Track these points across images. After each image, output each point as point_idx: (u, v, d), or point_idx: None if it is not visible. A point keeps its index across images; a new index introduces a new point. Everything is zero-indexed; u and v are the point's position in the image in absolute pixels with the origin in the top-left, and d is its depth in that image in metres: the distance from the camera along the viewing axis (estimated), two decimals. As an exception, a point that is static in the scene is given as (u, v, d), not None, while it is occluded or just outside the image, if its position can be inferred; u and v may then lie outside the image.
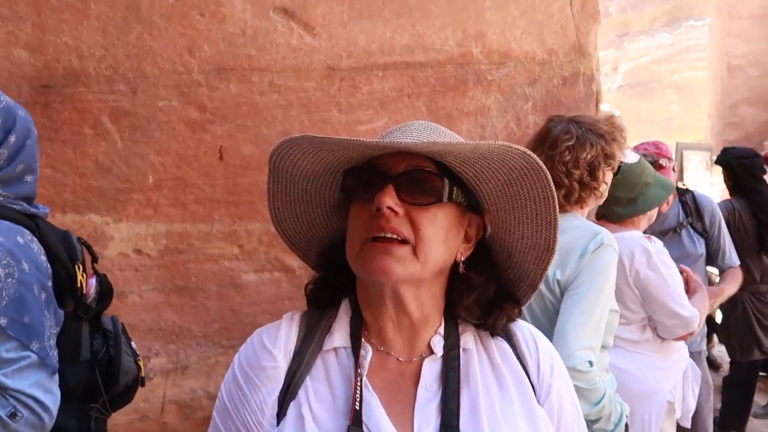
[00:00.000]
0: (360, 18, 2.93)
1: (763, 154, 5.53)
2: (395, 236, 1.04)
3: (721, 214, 3.68)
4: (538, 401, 1.14)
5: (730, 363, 4.97)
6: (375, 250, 1.05)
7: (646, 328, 2.86)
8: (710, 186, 9.83)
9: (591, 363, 2.00)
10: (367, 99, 2.98)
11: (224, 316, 2.98)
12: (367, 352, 1.12)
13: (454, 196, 1.10)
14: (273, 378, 1.10)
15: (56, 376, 1.65)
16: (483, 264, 1.17)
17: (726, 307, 4.30)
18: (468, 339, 1.16)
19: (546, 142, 2.24)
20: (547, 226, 1.14)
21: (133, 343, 2.04)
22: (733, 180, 4.53)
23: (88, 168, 2.75)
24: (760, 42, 31.06)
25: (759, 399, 5.44)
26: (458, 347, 1.14)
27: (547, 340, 1.24)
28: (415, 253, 1.06)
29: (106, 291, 1.94)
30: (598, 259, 2.09)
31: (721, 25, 29.17)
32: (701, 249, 3.57)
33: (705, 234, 3.57)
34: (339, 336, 1.14)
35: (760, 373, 5.15)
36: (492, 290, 1.17)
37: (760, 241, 4.33)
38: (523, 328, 1.23)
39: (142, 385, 2.04)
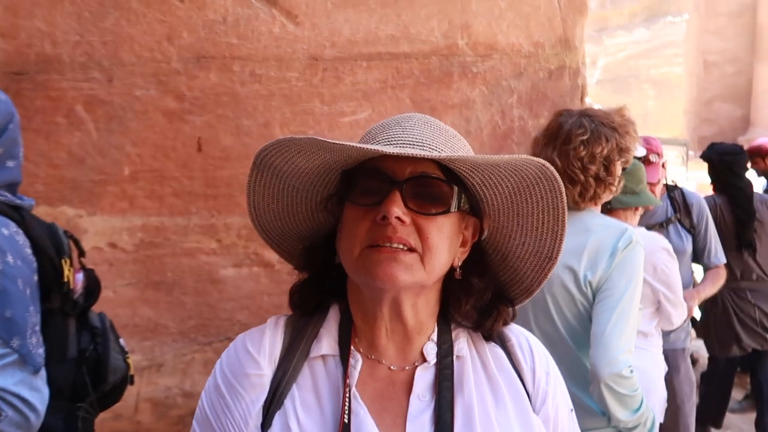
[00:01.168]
0: (344, 7, 2.86)
1: (747, 147, 5.56)
2: (402, 246, 0.99)
3: (709, 212, 3.68)
4: (533, 409, 1.10)
5: (709, 359, 5.00)
6: (380, 256, 0.99)
7: (652, 323, 2.87)
8: (685, 181, 9.95)
9: (632, 369, 1.96)
10: (350, 90, 2.91)
11: (201, 312, 2.91)
12: (357, 361, 1.07)
13: (462, 204, 1.05)
14: (257, 386, 1.05)
15: (43, 373, 1.58)
16: (479, 267, 1.13)
17: (706, 303, 4.30)
18: (462, 346, 1.12)
19: (559, 137, 2.17)
20: (552, 235, 1.11)
21: (121, 340, 1.97)
22: (715, 177, 4.53)
23: (61, 159, 2.65)
24: (736, 39, 31.46)
25: (735, 394, 5.49)
26: (452, 354, 1.10)
27: (542, 346, 1.20)
28: (422, 261, 1.01)
29: (93, 286, 1.87)
30: (628, 257, 2.05)
31: (698, 21, 29.49)
32: (688, 245, 3.57)
33: (692, 230, 3.57)
34: (327, 343, 1.09)
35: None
36: (489, 294, 1.13)
37: (739, 238, 4.34)
38: (518, 333, 1.19)
39: (131, 383, 1.98)
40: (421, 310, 1.08)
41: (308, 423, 1.02)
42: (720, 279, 3.73)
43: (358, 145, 0.98)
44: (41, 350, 1.58)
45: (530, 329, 1.97)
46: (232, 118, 2.77)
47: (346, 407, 1.01)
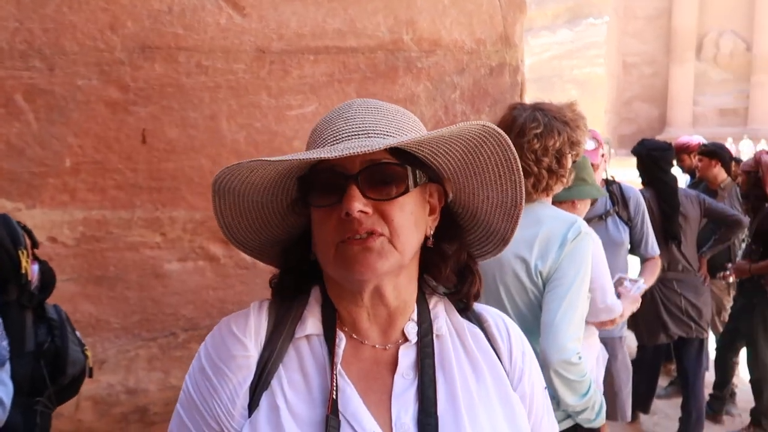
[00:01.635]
0: (292, 0, 2.84)
1: (674, 143, 5.79)
2: (368, 234, 1.01)
3: (644, 206, 3.81)
4: (511, 386, 1.14)
5: (638, 347, 5.19)
6: (353, 249, 1.01)
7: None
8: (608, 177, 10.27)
9: (580, 355, 2.02)
10: (297, 83, 2.90)
11: (145, 307, 2.85)
12: (341, 340, 1.09)
13: (418, 180, 1.07)
14: (244, 367, 1.05)
15: (8, 367, 1.53)
16: (451, 231, 1.16)
17: (635, 294, 4.47)
18: (441, 324, 1.14)
19: (513, 130, 2.21)
20: (512, 185, 1.13)
21: (77, 333, 1.92)
22: (643, 171, 4.70)
23: (-2, 150, 2.56)
24: (654, 42, 32.55)
25: (661, 381, 5.73)
26: (431, 333, 1.12)
27: (517, 327, 1.24)
28: (392, 242, 1.03)
29: (48, 278, 1.81)
30: (577, 248, 2.11)
31: (617, 24, 30.41)
32: (626, 237, 3.68)
33: (629, 223, 3.69)
34: (311, 323, 1.10)
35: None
36: (464, 255, 1.17)
37: (665, 231, 4.51)
38: (494, 315, 1.22)
39: (90, 376, 1.93)
40: (403, 290, 1.10)
41: (296, 401, 1.03)
42: (656, 270, 3.88)
43: (300, 157, 0.98)
44: (5, 343, 1.53)
45: None
46: (177, 110, 2.72)
47: (335, 384, 1.03)
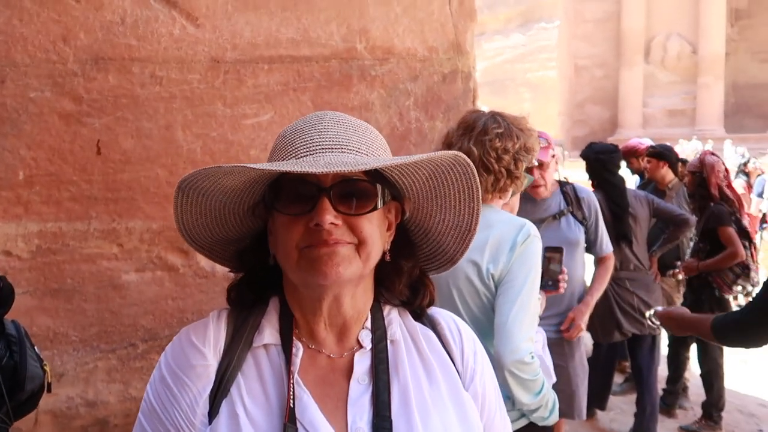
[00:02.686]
0: (245, 9, 2.87)
1: (622, 147, 5.93)
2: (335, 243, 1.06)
3: (598, 206, 3.91)
4: (463, 386, 1.19)
5: (593, 345, 5.30)
6: (320, 251, 1.05)
7: None
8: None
9: (533, 355, 2.08)
10: (252, 93, 2.92)
11: (103, 319, 2.84)
12: (298, 350, 1.12)
13: (386, 198, 1.12)
14: (203, 376, 1.09)
15: None
16: (407, 248, 1.21)
17: (590, 293, 4.56)
18: (395, 330, 1.19)
19: (476, 129, 2.29)
20: (470, 211, 1.20)
21: (36, 348, 1.91)
22: (591, 174, 4.82)
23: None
24: (603, 44, 33.11)
25: (616, 378, 5.87)
26: (386, 339, 1.16)
27: (468, 328, 1.29)
28: (358, 252, 1.08)
29: (7, 293, 1.80)
30: (527, 251, 2.18)
31: (568, 27, 30.88)
32: (581, 235, 3.77)
33: (584, 222, 3.79)
34: (269, 333, 1.14)
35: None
36: (417, 271, 1.22)
37: (616, 231, 4.61)
38: (446, 317, 1.27)
39: (49, 391, 1.92)
40: (359, 299, 1.15)
41: (255, 409, 1.06)
42: (609, 270, 3.98)
43: (285, 169, 1.00)
44: None
45: None
46: (132, 121, 2.72)
47: (292, 392, 1.06)
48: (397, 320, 1.20)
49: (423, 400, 1.12)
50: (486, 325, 2.23)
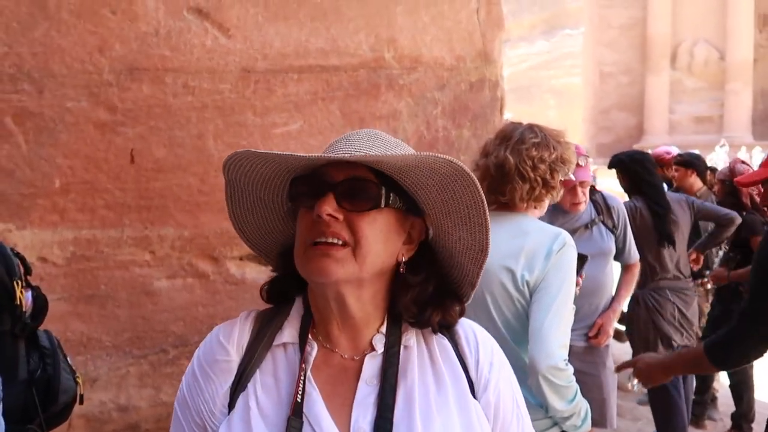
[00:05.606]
0: (275, 20, 2.91)
1: (654, 152, 5.88)
2: (336, 240, 1.11)
3: (626, 213, 3.87)
4: (474, 395, 1.20)
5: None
6: (316, 252, 1.11)
7: None
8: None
9: (567, 361, 2.10)
10: (282, 102, 2.96)
11: (135, 325, 2.88)
12: (313, 348, 1.18)
13: (391, 201, 1.15)
14: (226, 370, 1.17)
15: (0, 406, 1.54)
16: (423, 264, 1.23)
17: (628, 306, 4.46)
18: (410, 337, 1.22)
19: (512, 138, 2.32)
20: (480, 228, 1.20)
21: (69, 358, 1.94)
22: (627, 180, 4.68)
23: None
24: (629, 51, 32.86)
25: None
26: (399, 345, 1.20)
27: (490, 338, 1.30)
28: (354, 254, 1.12)
29: (41, 305, 1.84)
30: (562, 259, 2.19)
31: (593, 34, 30.68)
32: (612, 245, 3.73)
33: (614, 231, 3.76)
34: (288, 332, 1.20)
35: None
36: (430, 289, 1.22)
37: (659, 233, 4.45)
38: (466, 327, 1.28)
39: (81, 403, 1.95)
40: (366, 303, 1.18)
41: (266, 402, 1.13)
42: (635, 277, 3.93)
43: (283, 153, 1.11)
44: None
45: None
46: (164, 130, 2.77)
47: (300, 388, 1.12)
48: (414, 329, 1.23)
49: (427, 405, 1.15)
50: (520, 332, 2.24)
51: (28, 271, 1.83)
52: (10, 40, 2.52)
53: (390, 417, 1.12)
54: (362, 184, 1.13)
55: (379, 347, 1.19)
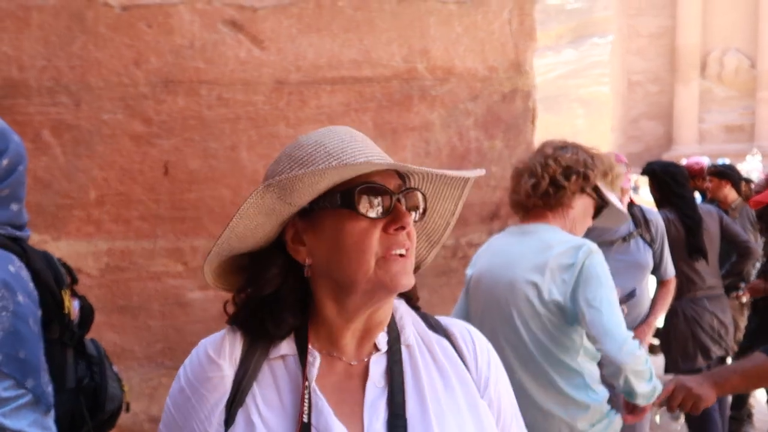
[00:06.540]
0: (308, 32, 2.91)
1: (685, 163, 5.80)
2: (406, 251, 1.11)
3: (664, 228, 3.81)
4: (478, 393, 1.20)
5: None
6: (397, 263, 1.09)
7: None
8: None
9: (639, 344, 2.13)
10: (315, 113, 2.96)
11: (168, 336, 2.89)
12: (315, 358, 1.14)
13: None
14: (220, 387, 1.12)
15: (53, 413, 1.56)
16: None
17: (666, 318, 4.39)
18: (408, 334, 1.21)
19: (543, 147, 2.38)
20: (445, 225, 1.28)
21: (114, 367, 1.95)
22: (658, 190, 4.60)
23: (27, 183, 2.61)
24: (658, 60, 32.58)
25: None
26: (400, 342, 1.19)
27: (482, 337, 1.29)
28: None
29: (87, 313, 1.85)
30: (591, 266, 2.17)
31: (621, 43, 30.45)
32: (649, 258, 3.68)
33: (652, 244, 3.70)
34: (285, 344, 1.15)
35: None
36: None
37: (690, 245, 4.37)
38: (460, 326, 1.28)
39: (127, 410, 1.95)
40: (390, 305, 1.20)
41: (271, 417, 1.09)
42: (671, 293, 3.86)
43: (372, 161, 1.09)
44: (50, 388, 1.56)
45: (497, 341, 2.07)
46: (198, 142, 2.79)
47: (306, 406, 1.08)
48: (410, 326, 1.22)
49: (438, 404, 1.14)
50: (549, 347, 2.21)
51: (74, 280, 1.84)
52: (49, 53, 2.55)
53: (403, 414, 1.10)
54: (414, 194, 1.14)
55: (383, 346, 1.17)
